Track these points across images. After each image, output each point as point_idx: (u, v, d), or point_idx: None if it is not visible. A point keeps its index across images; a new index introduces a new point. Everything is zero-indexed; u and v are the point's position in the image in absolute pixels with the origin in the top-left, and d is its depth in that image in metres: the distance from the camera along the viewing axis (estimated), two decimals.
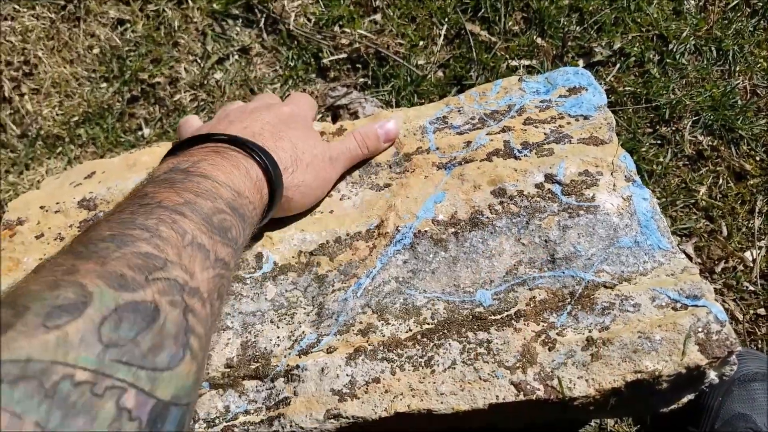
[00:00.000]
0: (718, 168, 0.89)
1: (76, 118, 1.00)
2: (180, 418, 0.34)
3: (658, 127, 0.91)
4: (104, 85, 1.02)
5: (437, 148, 0.66)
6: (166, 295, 0.36)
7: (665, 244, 0.55)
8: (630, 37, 0.95)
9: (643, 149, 0.89)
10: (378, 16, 0.98)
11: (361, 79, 0.97)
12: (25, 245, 0.64)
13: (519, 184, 0.60)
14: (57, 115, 1.01)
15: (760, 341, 0.82)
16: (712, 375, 0.51)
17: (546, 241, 0.56)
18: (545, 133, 0.65)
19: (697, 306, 0.51)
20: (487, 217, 0.58)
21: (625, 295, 0.52)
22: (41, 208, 0.66)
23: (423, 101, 0.90)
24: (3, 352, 0.28)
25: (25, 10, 1.04)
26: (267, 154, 0.54)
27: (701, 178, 0.88)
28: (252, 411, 0.53)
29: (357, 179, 0.66)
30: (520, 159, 0.62)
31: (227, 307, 0.57)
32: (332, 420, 0.50)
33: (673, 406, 0.55)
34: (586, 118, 0.66)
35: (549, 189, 0.59)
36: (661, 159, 0.89)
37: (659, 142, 0.91)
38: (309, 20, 0.99)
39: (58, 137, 1.00)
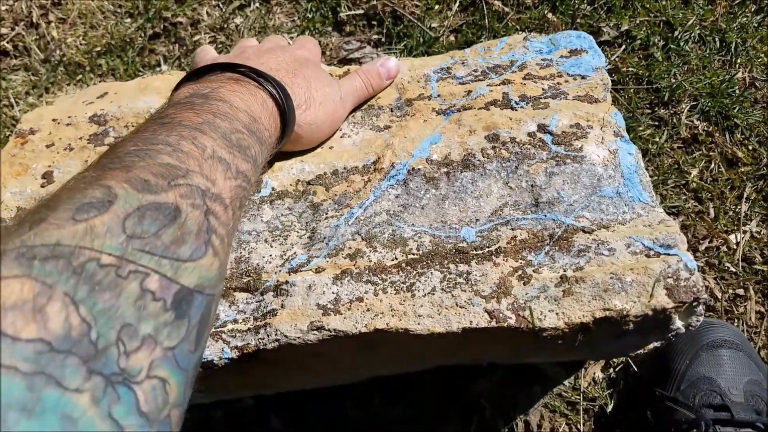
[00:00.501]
0: (711, 153, 0.92)
1: (98, 49, 1.04)
2: (206, 305, 0.36)
3: (656, 108, 0.95)
4: (128, 20, 1.06)
5: (438, 95, 0.68)
6: (187, 198, 0.38)
7: (645, 198, 0.58)
8: (637, 21, 0.98)
9: (641, 128, 0.92)
10: None
11: (375, 36, 1.00)
12: (35, 153, 0.66)
13: (512, 131, 0.62)
14: (80, 44, 1.05)
15: (737, 320, 0.84)
16: (678, 323, 0.54)
17: (532, 185, 0.59)
18: (543, 89, 0.67)
19: (669, 254, 0.53)
20: (479, 160, 0.61)
21: (601, 240, 0.55)
22: (53, 120, 0.69)
23: None
24: (36, 238, 0.30)
25: None
26: (282, 88, 0.57)
27: (694, 161, 0.91)
28: (240, 320, 0.56)
29: (359, 120, 0.69)
30: (516, 110, 0.65)
31: None
32: (315, 331, 0.53)
33: (640, 351, 0.58)
34: (583, 77, 0.68)
35: (540, 138, 0.61)
36: (657, 139, 0.92)
37: (656, 123, 0.94)
38: None
39: (79, 65, 1.04)
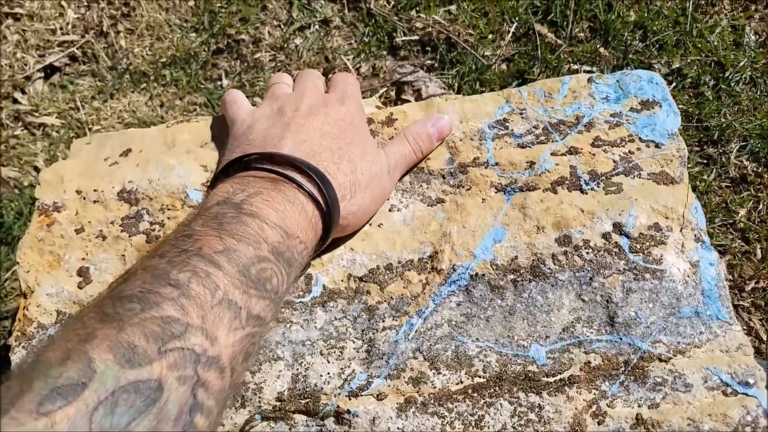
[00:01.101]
0: (759, 194, 0.90)
1: (163, 60, 1.07)
2: None
3: (705, 146, 0.94)
4: (193, 34, 1.09)
5: (496, 164, 0.63)
6: (175, 370, 0.36)
7: (724, 314, 0.55)
8: (689, 60, 0.97)
9: (689, 165, 0.89)
10: (453, 7, 1.02)
11: (429, 61, 1.01)
12: (65, 239, 0.61)
13: (585, 231, 0.57)
14: (146, 54, 1.09)
15: None
16: None
17: (608, 301, 0.55)
18: (614, 161, 0.61)
19: (747, 395, 0.51)
20: (550, 269, 0.57)
21: (678, 373, 0.53)
22: (78, 193, 0.63)
23: (484, 89, 0.89)
24: None
25: None
26: (325, 181, 0.52)
27: (742, 201, 0.89)
28: None
29: (407, 187, 0.63)
30: (587, 193, 0.59)
31: (278, 335, 0.57)
32: None
33: None
34: (657, 146, 0.62)
35: (616, 242, 0.57)
36: (705, 177, 0.91)
37: (705, 161, 0.93)
38: (388, 2, 1.06)
39: (144, 74, 1.07)
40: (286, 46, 1.06)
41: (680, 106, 0.93)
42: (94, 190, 0.63)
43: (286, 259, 0.47)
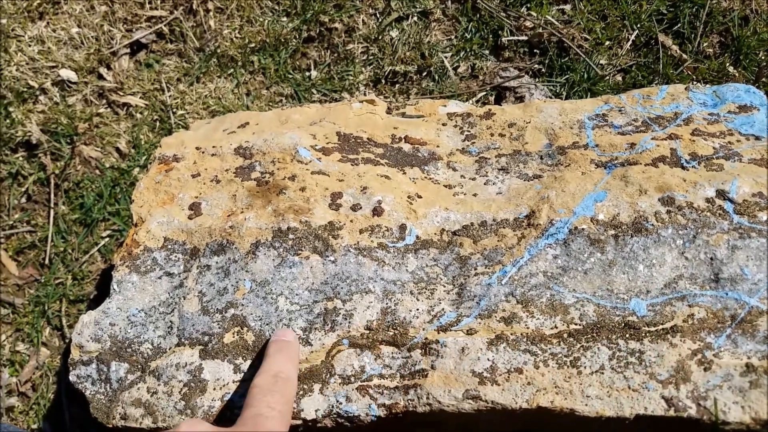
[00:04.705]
0: None
1: (252, 45, 1.03)
2: None
3: None
4: (285, 19, 1.04)
5: (596, 145, 0.64)
6: None
7: None
8: None
9: None
10: (568, 7, 0.96)
11: (536, 66, 0.95)
12: (181, 182, 0.66)
13: (689, 195, 0.57)
14: (236, 37, 1.04)
15: None
16: None
17: (712, 258, 0.53)
18: (714, 147, 0.61)
19: None
20: (652, 225, 0.56)
21: None
22: (197, 149, 0.68)
23: None
24: None
25: None
26: None
27: None
28: (386, 376, 0.53)
29: (504, 165, 0.65)
30: (688, 170, 0.59)
31: (369, 270, 0.57)
32: (470, 401, 0.49)
33: None
34: (757, 138, 0.62)
35: (720, 205, 0.56)
36: None
37: None
38: None
39: (232, 59, 1.03)
40: (380, 38, 1.00)
41: None
42: (213, 146, 0.68)
43: None
